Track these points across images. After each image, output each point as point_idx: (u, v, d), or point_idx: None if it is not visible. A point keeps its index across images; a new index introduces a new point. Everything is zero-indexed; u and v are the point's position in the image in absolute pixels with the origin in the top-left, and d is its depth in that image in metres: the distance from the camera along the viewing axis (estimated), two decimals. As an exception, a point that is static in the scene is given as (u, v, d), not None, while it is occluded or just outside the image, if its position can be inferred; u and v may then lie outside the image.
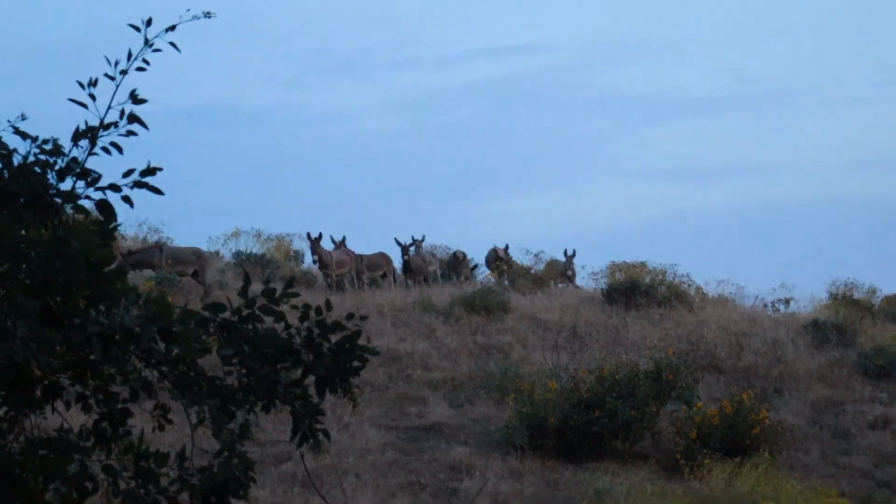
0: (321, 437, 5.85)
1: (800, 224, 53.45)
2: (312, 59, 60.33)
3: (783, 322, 26.91)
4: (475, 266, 31.55)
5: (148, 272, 26.18)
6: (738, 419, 20.71)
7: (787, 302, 29.55)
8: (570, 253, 30.23)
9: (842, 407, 23.32)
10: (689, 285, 28.76)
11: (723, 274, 44.06)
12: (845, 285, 29.86)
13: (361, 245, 29.53)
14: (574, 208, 55.51)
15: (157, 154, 5.99)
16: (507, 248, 31.09)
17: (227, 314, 5.72)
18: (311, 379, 5.84)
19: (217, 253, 31.09)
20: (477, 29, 62.01)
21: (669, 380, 21.45)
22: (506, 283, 30.23)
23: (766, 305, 29.31)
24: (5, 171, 5.60)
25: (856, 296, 29.55)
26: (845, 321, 26.18)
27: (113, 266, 5.51)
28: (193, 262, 26.64)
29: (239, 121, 58.71)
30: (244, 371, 5.74)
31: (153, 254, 26.54)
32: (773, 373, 24.48)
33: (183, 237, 31.27)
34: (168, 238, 30.77)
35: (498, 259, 30.91)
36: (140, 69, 5.79)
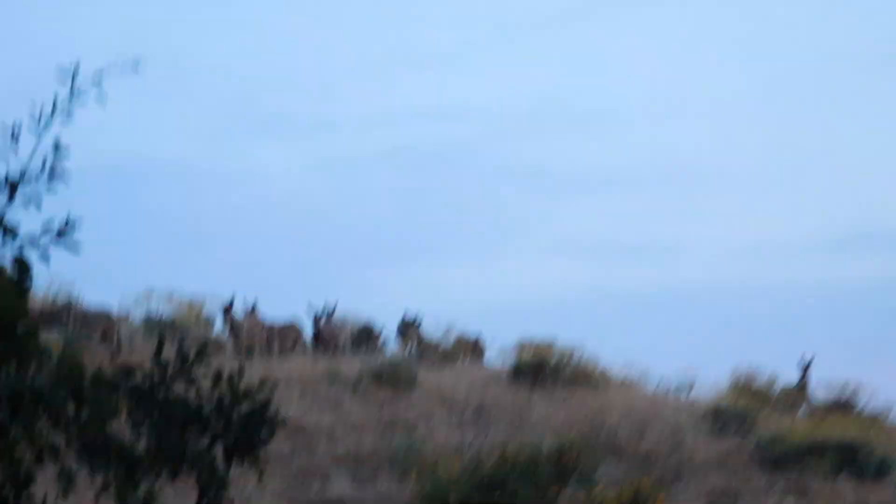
0: (227, 508, 5.70)
1: (705, 307, 53.88)
2: (231, 117, 60.14)
3: (685, 407, 27.03)
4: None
5: (54, 334, 25.77)
6: None
7: (689, 387, 29.73)
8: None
9: (737, 497, 23.39)
10: (594, 367, 28.84)
11: (629, 354, 44.23)
12: (747, 373, 30.09)
13: (275, 310, 29.29)
14: (486, 281, 55.54)
15: (69, 206, 5.83)
16: (415, 317, 30.82)
17: (138, 379, 5.58)
18: (218, 447, 5.70)
19: (128, 315, 30.68)
20: (396, 94, 62.22)
21: (571, 462, 21.42)
22: (414, 356, 30.09)
23: (669, 389, 29.46)
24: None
25: (756, 384, 29.79)
26: (745, 410, 26.34)
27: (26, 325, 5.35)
28: (102, 324, 26.28)
29: (153, 178, 58.23)
30: (153, 437, 5.59)
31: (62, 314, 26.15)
32: (672, 459, 24.53)
33: (93, 297, 30.84)
34: (77, 298, 30.32)
35: (406, 333, 30.78)
36: (62, 124, 5.67)
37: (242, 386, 5.66)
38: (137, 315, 30.68)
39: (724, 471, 24.22)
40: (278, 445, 22.41)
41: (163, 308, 30.85)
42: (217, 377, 5.62)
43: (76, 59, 5.61)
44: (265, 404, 5.66)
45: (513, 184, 59.96)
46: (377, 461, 22.62)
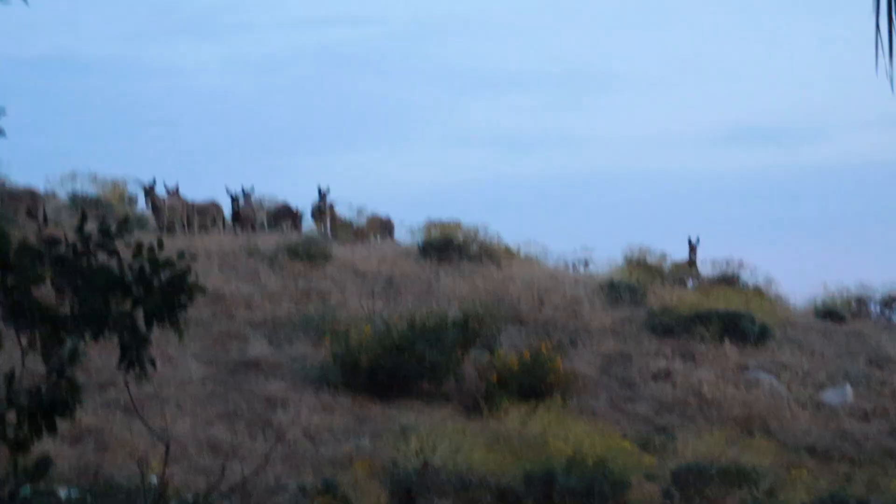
0: (147, 364, 5.90)
1: (603, 193, 54.57)
2: (154, 15, 59.21)
3: (582, 281, 27.52)
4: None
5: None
6: (536, 367, 21.22)
7: (586, 263, 30.23)
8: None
9: (629, 359, 24.01)
10: (498, 244, 29.19)
11: (529, 235, 44.73)
12: (639, 250, 30.63)
13: (195, 194, 29.26)
14: (397, 169, 55.77)
15: None
16: (329, 198, 30.87)
17: (62, 249, 5.72)
18: (139, 311, 5.87)
19: (53, 195, 30.49)
20: None
21: (475, 329, 21.83)
22: (328, 234, 30.26)
23: (567, 265, 29.93)
24: None
25: (648, 261, 30.34)
26: (638, 283, 26.88)
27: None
28: (27, 200, 26.09)
29: (79, 70, 57.44)
30: (76, 302, 5.75)
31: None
32: (570, 326, 25.05)
33: (20, 178, 30.54)
34: (5, 177, 30.06)
35: (321, 211, 30.88)
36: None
37: (162, 257, 5.80)
38: (63, 194, 30.54)
39: (618, 337, 24.80)
40: (199, 311, 22.60)
41: (87, 188, 30.72)
42: (138, 248, 5.75)
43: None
44: (184, 272, 5.80)
45: (422, 81, 59.94)
46: (292, 327, 22.89)
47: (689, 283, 29.72)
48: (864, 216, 49.70)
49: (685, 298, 26.67)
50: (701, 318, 25.00)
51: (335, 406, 20.13)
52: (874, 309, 29.01)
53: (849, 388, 23.73)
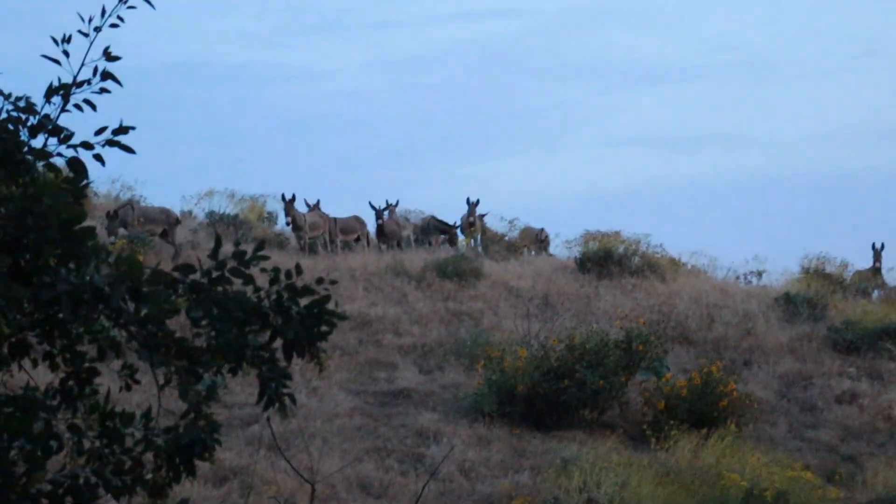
0: (287, 401, 5.87)
1: (775, 196, 53.62)
2: (290, 16, 60.08)
3: (755, 294, 27.05)
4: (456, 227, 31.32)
5: (120, 231, 26.15)
6: (707, 391, 20.84)
7: (759, 274, 29.73)
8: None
9: (810, 381, 23.49)
10: (662, 255, 28.88)
11: (696, 244, 44.23)
12: (817, 259, 30.03)
13: (336, 208, 29.56)
14: (550, 175, 55.59)
15: (129, 111, 5.99)
16: (478, 210, 30.93)
17: (196, 276, 5.73)
18: (278, 342, 5.85)
19: (189, 213, 31.03)
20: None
21: (639, 350, 21.55)
22: (479, 249, 30.27)
23: (738, 277, 29.48)
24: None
25: (827, 270, 29.72)
26: (816, 295, 26.33)
27: (84, 224, 5.52)
28: (162, 221, 26.57)
29: (214, 78, 58.49)
30: (212, 333, 5.75)
31: (125, 212, 26.50)
32: (742, 345, 24.62)
33: (156, 196, 31.24)
34: (141, 196, 30.72)
35: (471, 225, 30.93)
36: (114, 25, 5.78)
37: (300, 282, 5.78)
38: (200, 214, 31.07)
39: (797, 356, 24.30)
40: (344, 338, 22.74)
41: (225, 206, 31.20)
42: (275, 274, 5.74)
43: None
44: (324, 299, 5.77)
45: (572, 78, 59.58)
46: (443, 353, 22.88)
47: (874, 294, 29.03)
48: None
49: (870, 311, 26.04)
50: (889, 333, 24.42)
51: (491, 438, 20.04)
52: None
53: None
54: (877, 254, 29.19)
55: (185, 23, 61.71)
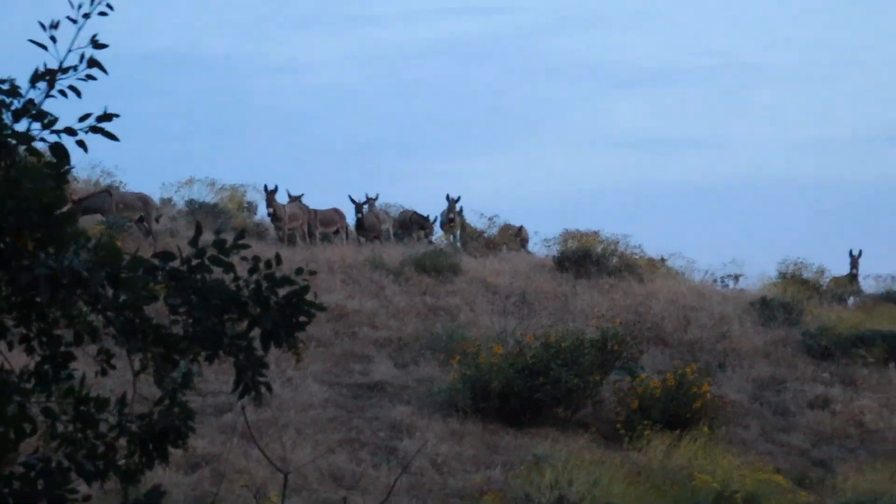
0: (263, 389, 5.89)
1: (754, 200, 53.82)
2: (274, 8, 60.01)
3: (731, 298, 27.15)
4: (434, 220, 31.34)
5: (98, 217, 26.08)
6: (680, 392, 20.93)
7: (736, 278, 29.84)
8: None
9: (783, 385, 23.60)
10: (640, 256, 28.95)
11: (674, 246, 44.33)
12: (795, 264, 30.16)
13: (316, 200, 29.57)
14: (530, 173, 55.64)
15: (112, 99, 6.00)
16: (458, 206, 30.93)
17: (176, 263, 5.74)
18: (256, 331, 5.87)
19: (169, 200, 30.99)
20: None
21: (614, 350, 21.62)
22: (458, 245, 30.30)
23: (715, 280, 29.58)
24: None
25: (805, 275, 29.84)
26: (793, 300, 26.44)
27: (64, 210, 5.53)
28: (139, 207, 26.50)
29: (197, 68, 58.41)
30: (190, 321, 5.77)
31: (103, 199, 26.43)
32: (717, 348, 24.72)
33: (136, 183, 31.20)
34: (121, 183, 30.66)
35: (451, 221, 30.94)
36: (103, 13, 5.79)
37: (281, 272, 5.79)
38: (180, 202, 31.05)
39: (771, 360, 24.40)
40: (320, 329, 22.76)
41: (205, 195, 31.19)
42: (255, 263, 5.76)
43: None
44: (303, 290, 5.79)
45: (554, 78, 59.70)
46: (419, 347, 22.91)
47: (850, 301, 29.15)
48: None
49: (845, 317, 26.16)
50: (863, 340, 24.52)
51: (464, 433, 20.08)
52: None
53: None
54: (854, 260, 29.32)
55: (169, 12, 61.60)
